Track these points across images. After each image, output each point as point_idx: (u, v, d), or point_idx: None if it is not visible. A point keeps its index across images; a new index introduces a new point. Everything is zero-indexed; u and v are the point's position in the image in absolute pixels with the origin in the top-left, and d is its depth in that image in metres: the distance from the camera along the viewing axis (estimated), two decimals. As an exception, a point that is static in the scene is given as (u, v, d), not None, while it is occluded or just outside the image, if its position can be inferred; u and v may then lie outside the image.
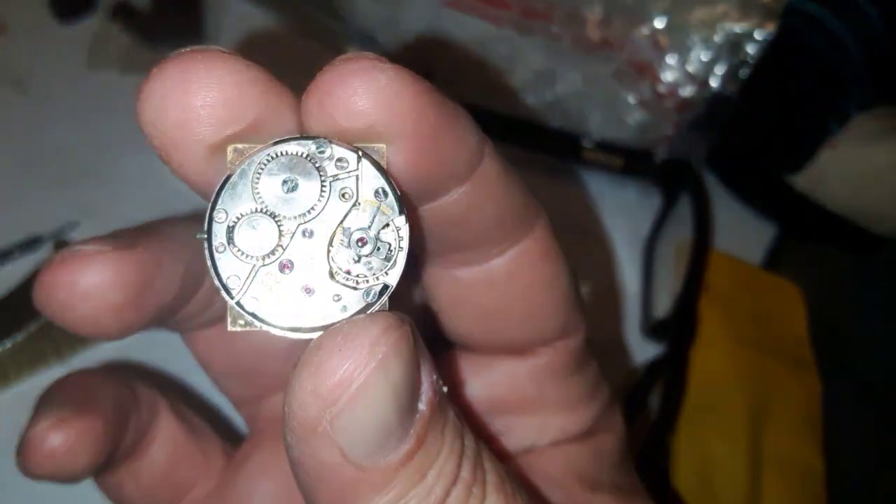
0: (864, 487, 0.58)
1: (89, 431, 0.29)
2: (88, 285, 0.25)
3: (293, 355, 0.21)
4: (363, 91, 0.21)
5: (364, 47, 0.69)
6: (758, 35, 0.60)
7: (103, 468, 0.31)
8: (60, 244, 0.59)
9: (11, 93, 0.69)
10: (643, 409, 0.55)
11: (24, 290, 0.56)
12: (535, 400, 0.34)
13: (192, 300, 0.30)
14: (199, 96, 0.21)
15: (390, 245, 0.22)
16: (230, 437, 0.39)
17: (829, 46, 0.62)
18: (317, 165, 0.22)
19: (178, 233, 0.29)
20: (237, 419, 0.48)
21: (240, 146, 0.22)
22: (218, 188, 0.22)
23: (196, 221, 0.27)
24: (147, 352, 0.54)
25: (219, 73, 0.21)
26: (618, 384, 0.57)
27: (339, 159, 0.22)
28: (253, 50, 0.72)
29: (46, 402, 0.30)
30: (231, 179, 0.22)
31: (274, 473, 0.35)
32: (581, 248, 0.65)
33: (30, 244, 0.59)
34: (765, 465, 0.54)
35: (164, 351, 0.50)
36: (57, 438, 0.28)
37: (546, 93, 0.67)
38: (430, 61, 0.69)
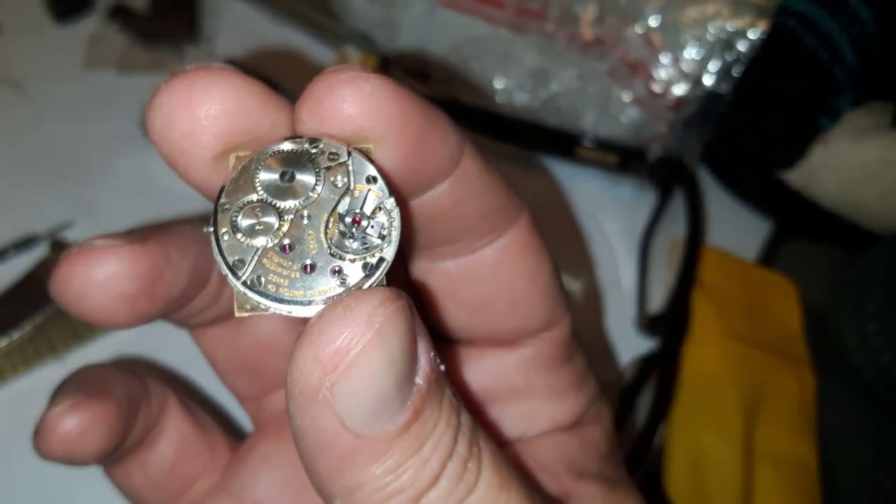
0: (858, 481, 0.59)
1: (102, 416, 0.30)
2: (103, 276, 0.27)
3: (297, 339, 0.22)
4: (350, 99, 0.23)
5: (360, 47, 0.69)
6: (750, 33, 0.61)
7: (113, 458, 0.33)
8: (56, 243, 0.59)
9: (8, 92, 0.69)
10: (636, 404, 0.55)
11: (21, 288, 0.56)
12: (523, 390, 0.35)
13: (200, 295, 0.32)
14: (202, 108, 0.23)
15: (383, 224, 0.24)
16: (234, 433, 0.39)
17: (821, 45, 0.63)
18: (311, 159, 0.24)
19: (185, 230, 0.31)
20: (241, 415, 0.48)
21: (241, 153, 0.24)
22: (221, 185, 0.24)
23: (201, 221, 0.29)
24: (156, 348, 0.55)
25: (221, 88, 0.23)
26: (611, 378, 0.58)
27: (331, 153, 0.24)
28: (250, 50, 0.72)
29: (63, 388, 0.31)
30: (233, 176, 0.24)
31: (276, 467, 0.36)
32: (576, 245, 0.66)
33: (26, 243, 0.59)
34: (758, 459, 0.55)
35: (172, 347, 0.51)
36: (72, 421, 0.30)
37: (540, 91, 0.67)
38: (425, 61, 0.70)
